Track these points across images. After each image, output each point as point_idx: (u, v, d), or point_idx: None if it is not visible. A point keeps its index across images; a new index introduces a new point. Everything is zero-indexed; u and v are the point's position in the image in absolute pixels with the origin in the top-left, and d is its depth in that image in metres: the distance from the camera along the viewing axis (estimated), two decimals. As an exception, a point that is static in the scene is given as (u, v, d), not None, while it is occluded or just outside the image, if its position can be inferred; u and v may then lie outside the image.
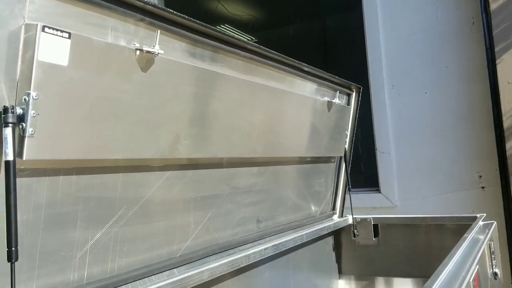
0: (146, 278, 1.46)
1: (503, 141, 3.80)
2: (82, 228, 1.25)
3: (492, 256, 2.00)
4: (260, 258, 1.89)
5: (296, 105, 2.10)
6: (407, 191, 4.26)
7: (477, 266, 1.58)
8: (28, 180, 1.10)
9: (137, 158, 1.36)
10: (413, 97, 4.24)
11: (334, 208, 2.83)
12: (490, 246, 1.99)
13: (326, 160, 2.66)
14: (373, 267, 2.75)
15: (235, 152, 1.76)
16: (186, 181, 1.60)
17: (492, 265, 1.97)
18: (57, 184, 1.17)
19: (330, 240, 2.77)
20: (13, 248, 0.99)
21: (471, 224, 2.36)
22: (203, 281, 1.56)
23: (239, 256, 1.76)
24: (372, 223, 2.71)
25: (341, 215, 2.84)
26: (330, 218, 2.76)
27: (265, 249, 1.93)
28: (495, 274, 1.99)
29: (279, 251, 2.03)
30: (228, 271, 1.69)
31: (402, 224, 2.65)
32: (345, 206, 2.88)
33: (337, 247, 2.83)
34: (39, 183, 1.13)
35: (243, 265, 1.77)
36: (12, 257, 0.98)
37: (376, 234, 2.73)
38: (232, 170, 1.84)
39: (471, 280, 1.39)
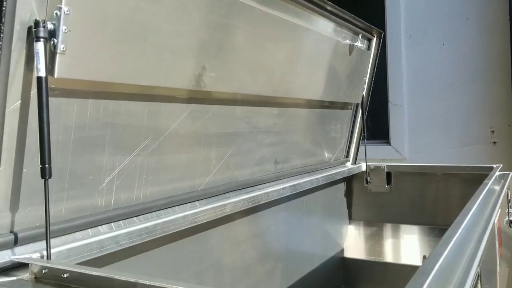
0: (169, 208, 1.47)
1: (519, 96, 3.75)
2: (110, 154, 1.24)
3: (509, 204, 2.01)
4: (278, 197, 1.90)
5: (318, 45, 2.05)
6: (418, 144, 4.25)
7: (499, 211, 1.59)
8: (58, 101, 1.08)
9: (163, 87, 1.33)
10: (430, 48, 4.15)
11: (347, 155, 2.82)
12: (508, 195, 2.00)
13: (343, 106, 2.63)
14: (383, 214, 2.78)
15: (258, 89, 1.73)
16: (209, 116, 1.58)
17: (509, 214, 1.98)
18: (86, 107, 1.15)
19: (342, 186, 2.78)
20: (47, 165, 0.98)
21: (485, 175, 2.36)
22: (225, 214, 1.57)
23: (259, 193, 1.76)
24: (386, 170, 2.71)
25: (354, 163, 2.84)
26: (343, 165, 2.76)
27: (283, 188, 1.94)
28: (510, 222, 2.00)
29: (296, 192, 2.04)
30: (248, 207, 1.70)
31: (415, 173, 2.65)
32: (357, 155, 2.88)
33: (349, 193, 2.84)
34: (69, 105, 1.11)
35: (262, 202, 1.78)
36: (45, 173, 0.98)
37: (388, 181, 2.74)
38: (253, 109, 1.82)
39: (495, 222, 1.40)
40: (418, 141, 4.25)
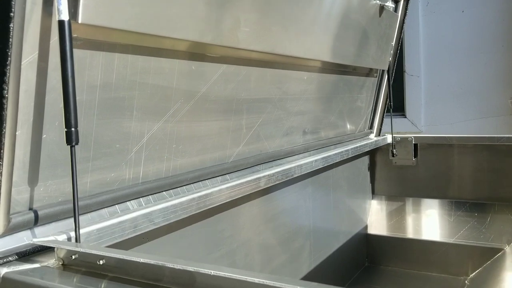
0: (200, 182, 1.31)
1: (544, 64, 3.58)
2: (138, 119, 1.07)
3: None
4: (310, 170, 1.74)
5: (350, 5, 1.86)
6: (434, 116, 4.10)
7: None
8: (82, 53, 0.91)
9: (195, 41, 1.15)
10: (448, 15, 3.95)
11: (371, 126, 2.66)
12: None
13: (369, 73, 2.45)
14: (408, 188, 2.64)
15: (291, 50, 1.56)
16: (240, 79, 1.41)
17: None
18: (112, 62, 0.98)
19: (366, 159, 2.63)
20: (73, 129, 0.81)
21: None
22: (260, 188, 1.41)
23: (291, 166, 1.60)
24: (413, 142, 2.56)
25: (379, 134, 2.69)
26: (367, 137, 2.60)
27: (315, 161, 1.78)
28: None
29: (327, 165, 1.88)
30: (282, 180, 1.54)
31: (445, 144, 2.50)
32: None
33: (372, 167, 2.69)
34: (93, 58, 0.94)
35: (296, 175, 1.62)
36: (72, 139, 0.81)
37: (415, 154, 2.59)
38: (284, 72, 1.65)
39: None
40: (435, 113, 4.09)
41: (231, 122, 1.42)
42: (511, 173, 2.38)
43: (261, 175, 1.42)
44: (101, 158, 1.00)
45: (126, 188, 1.07)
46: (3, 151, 0.75)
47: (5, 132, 0.74)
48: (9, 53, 0.73)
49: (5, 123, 0.74)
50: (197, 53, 1.21)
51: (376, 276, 2.55)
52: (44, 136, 0.87)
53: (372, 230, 2.67)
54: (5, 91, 0.73)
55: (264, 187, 1.45)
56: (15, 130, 0.78)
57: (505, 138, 2.36)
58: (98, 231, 0.88)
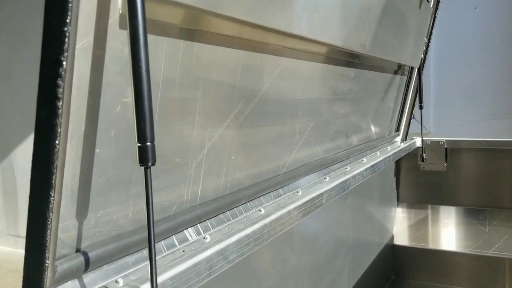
0: (255, 200, 1.08)
1: (562, 64, 3.45)
2: (200, 126, 0.84)
3: None
4: (362, 180, 1.53)
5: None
6: (443, 117, 3.94)
7: None
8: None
9: (261, 25, 0.92)
10: (460, 12, 3.80)
11: (398, 128, 2.47)
12: None
13: (397, 70, 2.26)
14: (436, 195, 2.46)
15: (348, 42, 1.34)
16: (298, 76, 1.19)
17: None
18: (176, 51, 0.75)
19: (393, 165, 2.44)
20: (149, 144, 0.57)
21: None
22: (322, 206, 1.19)
23: (347, 177, 1.39)
24: (445, 146, 2.38)
25: (405, 138, 2.50)
26: (394, 140, 2.41)
27: (365, 170, 1.57)
28: None
29: (374, 173, 1.67)
30: (341, 194, 1.32)
31: (481, 149, 2.32)
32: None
33: (397, 172, 2.51)
34: (157, 46, 0.70)
35: (352, 187, 1.41)
36: (147, 157, 0.57)
37: (446, 159, 2.41)
38: (336, 69, 1.43)
39: None
40: (444, 114, 3.94)
41: (286, 127, 1.20)
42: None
43: (322, 190, 1.20)
44: (160, 177, 0.77)
45: (185, 213, 0.83)
46: (56, 176, 0.51)
47: (58, 148, 0.51)
48: (67, 33, 0.49)
49: (59, 136, 0.51)
50: (260, 43, 0.99)
51: (403, 290, 2.36)
52: (98, 150, 0.64)
53: (398, 241, 2.48)
54: (60, 89, 0.50)
55: (326, 203, 1.23)
56: (66, 144, 0.55)
57: (547, 143, 2.20)
58: (172, 280, 0.65)
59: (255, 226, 0.88)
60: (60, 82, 0.50)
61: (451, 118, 3.91)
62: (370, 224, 2.08)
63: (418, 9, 1.99)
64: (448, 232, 2.44)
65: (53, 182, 0.51)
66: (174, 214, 0.83)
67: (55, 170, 0.51)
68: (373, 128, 2.11)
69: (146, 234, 0.70)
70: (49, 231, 0.53)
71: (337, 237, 1.61)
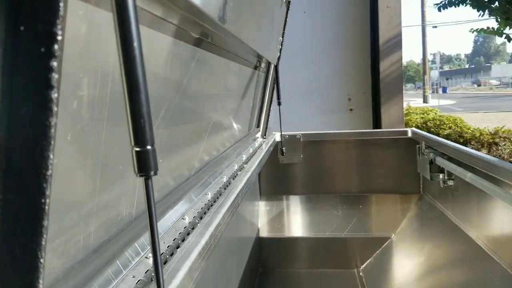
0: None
1: (376, 65, 3.98)
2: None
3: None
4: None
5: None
6: (283, 113, 4.20)
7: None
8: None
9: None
10: (292, 16, 4.08)
11: (258, 124, 2.54)
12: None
13: (257, 66, 2.31)
14: (295, 186, 2.60)
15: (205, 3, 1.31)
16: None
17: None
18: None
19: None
20: (149, 147, 0.45)
21: (399, 139, 2.39)
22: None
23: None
24: (301, 140, 2.53)
25: (265, 133, 2.58)
26: (256, 136, 2.48)
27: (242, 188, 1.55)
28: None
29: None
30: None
31: (327, 141, 2.54)
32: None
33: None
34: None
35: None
36: (149, 165, 0.45)
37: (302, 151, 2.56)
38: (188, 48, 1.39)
39: None
40: (284, 110, 4.20)
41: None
42: (385, 165, 2.54)
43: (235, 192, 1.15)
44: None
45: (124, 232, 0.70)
46: (46, 201, 0.37)
47: (49, 172, 0.36)
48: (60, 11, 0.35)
49: (52, 147, 0.36)
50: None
51: (271, 281, 2.44)
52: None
53: (263, 234, 2.56)
54: (54, 90, 0.35)
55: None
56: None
57: (385, 132, 2.50)
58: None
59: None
60: (53, 75, 0.35)
61: (291, 114, 4.19)
62: (238, 222, 2.09)
63: (280, 7, 2.07)
64: (306, 220, 2.61)
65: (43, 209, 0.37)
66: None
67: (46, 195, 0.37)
68: (235, 126, 2.12)
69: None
70: None
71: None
